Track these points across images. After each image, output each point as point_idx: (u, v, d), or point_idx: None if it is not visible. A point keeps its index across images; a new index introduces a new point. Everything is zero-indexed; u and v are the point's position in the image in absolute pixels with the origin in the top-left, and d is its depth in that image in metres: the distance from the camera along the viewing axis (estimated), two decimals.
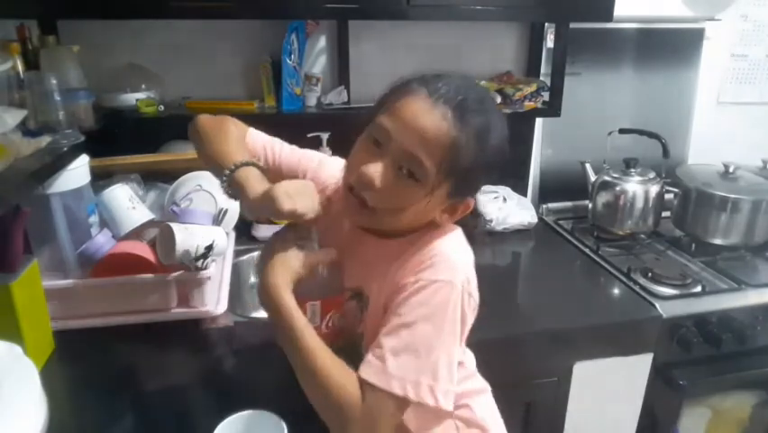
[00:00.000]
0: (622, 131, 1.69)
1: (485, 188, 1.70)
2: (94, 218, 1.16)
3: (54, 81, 1.13)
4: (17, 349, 0.81)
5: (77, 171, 1.10)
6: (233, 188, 0.77)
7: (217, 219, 1.24)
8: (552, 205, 1.84)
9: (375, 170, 0.69)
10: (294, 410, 0.76)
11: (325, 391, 0.65)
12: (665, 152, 1.61)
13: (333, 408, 0.65)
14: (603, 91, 1.81)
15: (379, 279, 0.76)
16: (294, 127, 1.53)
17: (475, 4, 1.35)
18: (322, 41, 1.63)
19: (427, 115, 0.68)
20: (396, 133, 0.69)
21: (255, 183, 0.75)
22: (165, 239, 1.11)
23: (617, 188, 1.59)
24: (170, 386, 0.95)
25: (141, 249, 1.13)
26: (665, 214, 1.66)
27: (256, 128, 1.60)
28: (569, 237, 1.65)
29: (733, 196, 1.51)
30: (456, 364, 0.69)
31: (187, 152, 1.42)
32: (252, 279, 1.49)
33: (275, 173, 0.89)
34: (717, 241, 1.56)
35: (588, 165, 1.70)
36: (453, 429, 0.82)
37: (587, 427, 1.28)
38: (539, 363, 1.21)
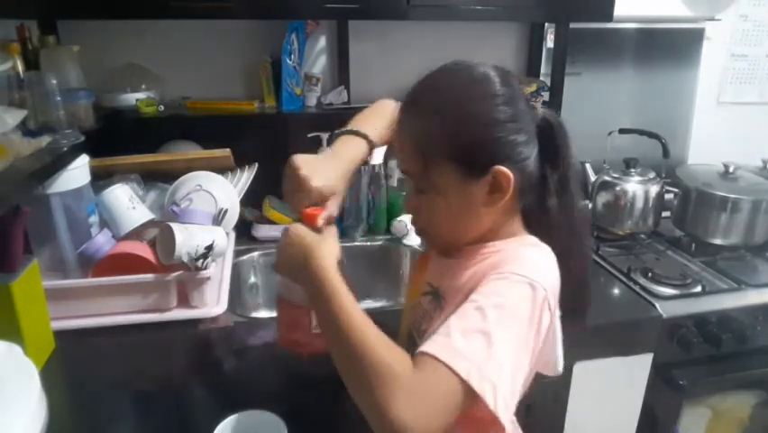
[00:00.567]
0: (622, 131, 1.69)
1: None
2: (94, 218, 1.16)
3: (54, 81, 1.13)
4: (17, 349, 0.81)
5: (77, 171, 1.10)
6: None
7: (217, 219, 1.24)
8: None
9: (405, 204, 0.75)
10: (294, 410, 0.76)
11: (365, 359, 0.56)
12: (665, 152, 1.61)
13: (375, 377, 0.54)
14: (603, 91, 1.81)
15: (455, 277, 0.72)
16: (294, 127, 1.54)
17: (475, 4, 1.35)
18: (322, 41, 1.63)
19: (396, 132, 0.72)
20: (397, 159, 0.76)
21: (336, 148, 0.81)
22: (165, 239, 1.11)
23: (617, 188, 1.59)
24: (170, 386, 0.95)
25: (141, 249, 1.13)
26: (665, 214, 1.66)
27: (255, 128, 1.60)
28: None
29: (733, 196, 1.51)
30: (521, 377, 0.60)
31: (187, 151, 1.42)
32: (252, 279, 1.49)
33: None
34: (717, 241, 1.55)
35: (588, 165, 1.70)
36: None
37: (587, 427, 1.28)
38: None
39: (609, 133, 1.69)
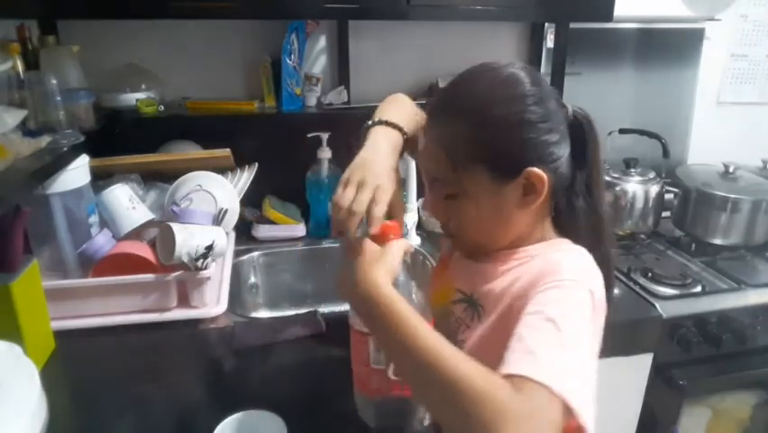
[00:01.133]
0: (622, 131, 1.69)
1: None
2: (94, 218, 1.16)
3: (54, 81, 1.13)
4: (17, 349, 0.81)
5: (77, 171, 1.10)
6: (361, 144, 0.79)
7: (217, 219, 1.24)
8: None
9: (428, 206, 0.73)
10: (294, 410, 0.76)
11: (462, 392, 0.51)
12: (665, 152, 1.61)
13: (478, 409, 0.50)
14: (603, 91, 1.81)
15: (491, 284, 0.72)
16: (294, 127, 1.54)
17: (475, 4, 1.35)
18: (322, 41, 1.63)
19: (426, 137, 0.70)
20: (421, 165, 0.73)
21: (374, 140, 0.77)
22: (165, 239, 1.11)
23: (617, 189, 1.59)
24: (170, 386, 0.95)
25: (141, 249, 1.13)
26: (665, 214, 1.66)
27: (255, 128, 1.60)
28: None
29: (733, 196, 1.51)
30: (592, 383, 0.59)
31: (187, 151, 1.42)
32: (252, 279, 1.49)
33: None
34: (717, 241, 1.56)
35: None
36: None
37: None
38: None
39: (609, 133, 1.69)
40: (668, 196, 1.64)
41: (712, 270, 1.48)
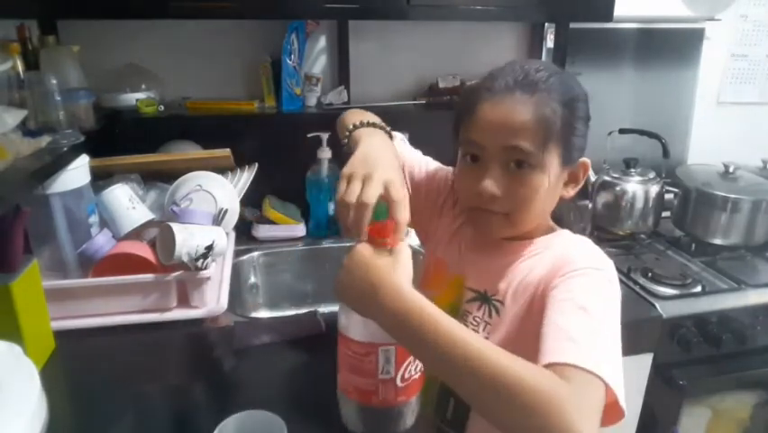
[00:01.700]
0: (622, 131, 1.69)
1: None
2: (94, 218, 1.16)
3: (54, 81, 1.13)
4: (17, 349, 0.81)
5: (77, 171, 1.10)
6: (351, 146, 0.77)
7: (217, 219, 1.24)
8: None
9: (489, 183, 0.71)
10: (294, 411, 0.76)
11: (516, 389, 0.51)
12: (665, 152, 1.61)
13: (534, 402, 0.50)
14: (603, 91, 1.81)
15: (506, 278, 0.75)
16: (294, 127, 1.54)
17: (475, 4, 1.35)
18: (322, 41, 1.63)
19: (502, 108, 0.70)
20: (486, 138, 0.71)
21: (368, 138, 0.76)
22: (165, 239, 1.11)
23: (617, 188, 1.59)
24: (170, 386, 0.95)
25: (141, 249, 1.13)
26: (665, 214, 1.66)
27: (255, 128, 1.61)
28: None
29: (733, 196, 1.51)
30: (621, 363, 0.61)
31: (187, 151, 1.42)
32: (252, 279, 1.49)
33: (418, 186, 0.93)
34: (717, 241, 1.56)
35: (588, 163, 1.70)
36: None
37: None
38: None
39: (609, 133, 1.69)
40: (668, 196, 1.64)
41: (712, 270, 1.48)
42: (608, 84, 1.81)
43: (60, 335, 1.03)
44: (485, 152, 0.72)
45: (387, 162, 0.71)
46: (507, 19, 1.66)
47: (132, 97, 1.48)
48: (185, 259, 1.07)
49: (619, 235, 1.62)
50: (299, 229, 1.56)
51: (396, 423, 0.73)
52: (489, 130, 0.71)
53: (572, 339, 0.58)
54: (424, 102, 1.65)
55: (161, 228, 1.13)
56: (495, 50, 1.73)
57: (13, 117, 1.02)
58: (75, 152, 1.10)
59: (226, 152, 1.34)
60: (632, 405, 1.33)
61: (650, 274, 1.41)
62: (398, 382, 0.69)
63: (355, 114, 0.89)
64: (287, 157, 1.55)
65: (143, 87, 1.51)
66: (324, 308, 1.23)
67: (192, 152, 1.42)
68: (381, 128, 0.83)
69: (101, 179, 1.26)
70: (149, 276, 1.10)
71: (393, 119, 1.55)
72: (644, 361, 1.29)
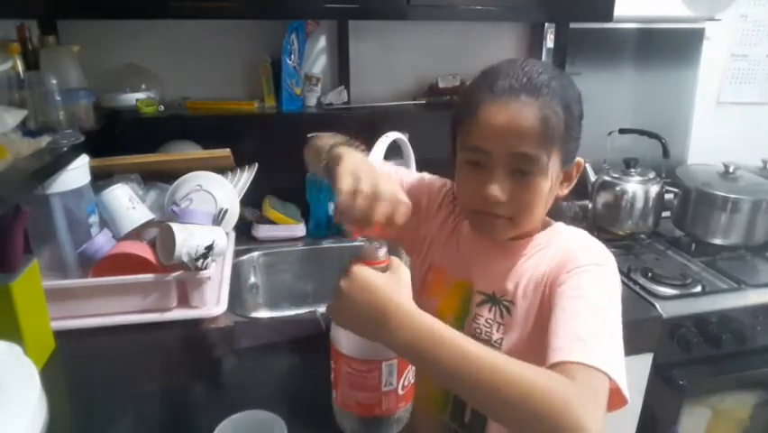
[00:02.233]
0: (622, 131, 1.69)
1: None
2: (94, 218, 1.16)
3: (54, 81, 1.13)
4: (17, 349, 0.81)
5: (77, 171, 1.10)
6: (331, 165, 0.72)
7: (217, 219, 1.24)
8: None
9: (495, 188, 0.71)
10: (294, 411, 0.76)
11: (535, 396, 0.54)
12: (665, 152, 1.61)
13: (549, 407, 0.54)
14: (603, 91, 1.81)
15: (513, 278, 0.77)
16: (294, 127, 1.53)
17: (475, 4, 1.35)
18: (322, 41, 1.63)
19: (507, 112, 0.69)
20: (490, 144, 0.71)
21: (349, 156, 0.71)
22: (165, 239, 1.11)
23: (617, 188, 1.59)
24: (170, 386, 0.95)
25: (141, 249, 1.13)
26: (665, 214, 1.66)
27: (255, 128, 1.60)
28: None
29: (733, 196, 1.51)
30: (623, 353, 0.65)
31: (187, 151, 1.42)
32: (252, 279, 1.49)
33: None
34: (717, 241, 1.56)
35: (588, 165, 1.70)
36: None
37: None
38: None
39: (609, 133, 1.69)
40: (668, 196, 1.64)
41: (712, 270, 1.48)
42: (608, 84, 1.81)
43: (60, 335, 1.03)
44: (489, 158, 0.71)
45: (377, 173, 0.69)
46: (507, 19, 1.66)
47: (132, 97, 1.48)
48: (185, 259, 1.07)
49: (619, 235, 1.62)
50: (299, 229, 1.56)
51: (395, 426, 0.73)
52: (493, 135, 0.70)
53: (581, 338, 0.62)
54: (424, 102, 1.65)
55: (161, 228, 1.13)
56: (495, 50, 1.73)
57: (13, 117, 1.02)
58: (75, 152, 1.10)
59: (226, 152, 1.34)
60: (632, 405, 1.32)
61: (650, 274, 1.41)
62: (399, 391, 0.70)
63: (324, 138, 0.87)
64: (287, 157, 1.54)
65: (143, 87, 1.51)
66: (324, 308, 1.23)
67: (192, 151, 1.42)
68: (356, 147, 0.80)
69: (101, 179, 1.26)
70: (149, 276, 1.10)
71: (393, 119, 1.57)
72: (644, 361, 1.29)
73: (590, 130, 0.86)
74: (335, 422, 0.77)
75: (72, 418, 0.88)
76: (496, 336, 0.77)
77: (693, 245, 1.59)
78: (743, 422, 1.45)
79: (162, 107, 1.51)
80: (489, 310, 0.78)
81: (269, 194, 1.60)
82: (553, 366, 0.60)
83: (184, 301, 1.14)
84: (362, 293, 0.60)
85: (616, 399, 0.62)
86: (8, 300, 0.89)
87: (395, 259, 0.65)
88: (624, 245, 1.60)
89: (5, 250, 0.91)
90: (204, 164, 1.31)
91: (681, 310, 1.29)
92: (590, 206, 1.68)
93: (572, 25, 1.60)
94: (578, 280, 0.69)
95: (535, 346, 0.69)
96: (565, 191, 0.79)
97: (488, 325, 0.78)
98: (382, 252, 0.64)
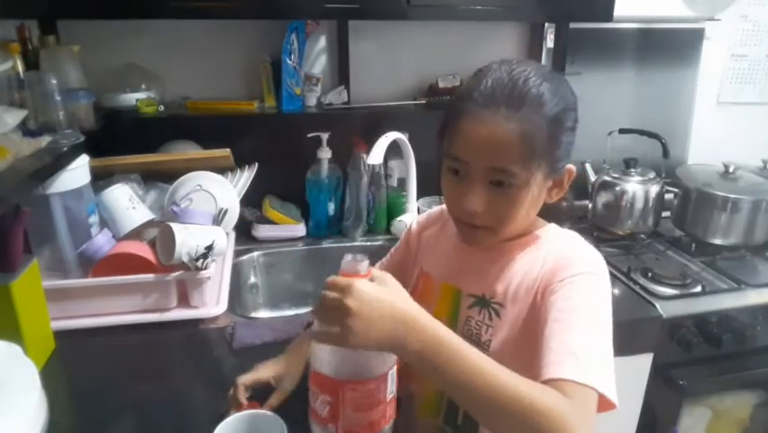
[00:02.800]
0: (622, 131, 1.69)
1: None
2: (94, 218, 1.16)
3: (54, 81, 1.13)
4: (17, 349, 0.81)
5: (77, 171, 1.11)
6: None
7: (217, 219, 1.24)
8: None
9: (472, 200, 0.71)
10: (294, 411, 0.76)
11: (534, 412, 0.56)
12: (665, 152, 1.60)
13: (550, 423, 0.56)
14: (603, 91, 1.81)
15: (503, 280, 0.77)
16: (294, 127, 1.54)
17: (475, 4, 1.35)
18: (322, 41, 1.63)
19: (487, 126, 0.68)
20: (468, 156, 0.70)
21: None
22: (165, 239, 1.11)
23: (617, 188, 1.59)
24: (170, 386, 0.95)
25: (141, 249, 1.13)
26: (665, 214, 1.66)
27: (255, 128, 1.61)
28: None
29: (733, 196, 1.51)
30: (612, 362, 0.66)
31: (187, 151, 1.42)
32: (252, 279, 1.49)
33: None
34: (717, 241, 1.55)
35: (588, 165, 1.70)
36: None
37: None
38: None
39: (609, 133, 1.69)
40: (668, 196, 1.64)
41: (712, 270, 1.48)
42: (607, 84, 1.81)
43: (60, 335, 1.03)
44: (468, 168, 0.71)
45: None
46: (507, 19, 1.66)
47: (132, 97, 1.48)
48: (185, 259, 1.07)
49: (619, 235, 1.62)
50: (299, 229, 1.56)
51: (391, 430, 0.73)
52: (471, 147, 0.70)
53: (573, 354, 0.63)
54: (424, 102, 1.65)
55: (161, 228, 1.13)
56: (495, 50, 1.73)
57: (13, 117, 1.02)
58: (75, 152, 1.10)
59: (226, 152, 1.34)
60: (632, 405, 1.33)
61: (650, 274, 1.40)
62: (395, 392, 0.70)
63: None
64: (287, 157, 1.55)
65: (143, 87, 1.51)
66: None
67: (192, 151, 1.42)
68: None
69: (101, 179, 1.26)
70: (149, 276, 1.10)
71: (393, 119, 1.57)
72: (644, 361, 1.29)
73: (590, 130, 0.86)
74: None
75: (72, 418, 0.88)
76: (485, 336, 0.77)
77: (693, 245, 1.59)
78: (743, 422, 1.45)
79: (162, 107, 1.51)
80: (479, 312, 0.78)
81: (269, 194, 1.60)
82: (547, 382, 0.61)
83: (184, 301, 1.14)
84: (378, 306, 0.59)
85: (604, 404, 0.63)
86: (8, 300, 0.89)
87: (376, 270, 0.65)
88: (624, 245, 1.60)
89: (5, 250, 0.91)
90: (204, 164, 1.31)
91: (681, 310, 1.29)
92: (590, 206, 1.67)
93: (572, 25, 1.60)
94: (571, 289, 0.69)
95: (523, 348, 0.71)
96: (555, 198, 0.78)
97: (477, 327, 0.78)
98: (364, 265, 0.63)
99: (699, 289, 1.36)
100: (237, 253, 1.42)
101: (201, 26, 1.51)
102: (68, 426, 0.85)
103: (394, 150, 1.52)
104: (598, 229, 1.65)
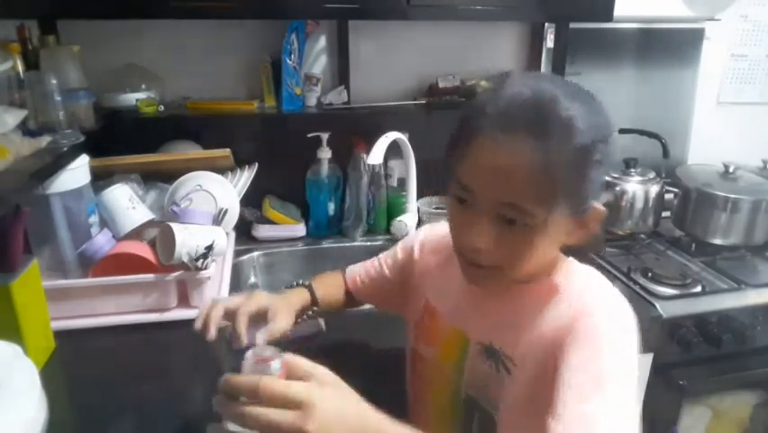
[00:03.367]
0: (622, 131, 1.69)
1: None
2: (94, 218, 1.16)
3: (54, 81, 1.13)
4: (17, 349, 0.81)
5: (77, 171, 1.10)
6: None
7: (217, 219, 1.24)
8: None
9: (476, 236, 0.61)
10: None
11: None
12: (665, 152, 1.60)
13: None
14: (603, 91, 1.78)
15: (513, 329, 0.67)
16: (294, 127, 1.54)
17: (475, 4, 1.35)
18: (322, 41, 1.63)
19: (502, 152, 0.57)
20: (476, 185, 0.60)
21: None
22: (165, 239, 1.11)
23: (617, 188, 1.59)
24: (170, 386, 0.95)
25: (141, 249, 1.13)
26: (665, 214, 1.66)
27: (255, 128, 1.60)
28: None
29: (733, 196, 1.51)
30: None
31: (187, 151, 1.42)
32: (252, 279, 1.49)
33: (381, 290, 0.96)
34: (717, 241, 1.55)
35: None
36: None
37: None
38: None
39: None
40: (668, 196, 1.64)
41: (712, 270, 1.48)
42: (607, 84, 1.81)
43: (60, 335, 1.03)
44: (475, 198, 0.61)
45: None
46: (507, 19, 1.66)
47: (132, 97, 1.48)
48: (185, 259, 1.07)
49: (619, 235, 1.62)
50: (299, 229, 1.56)
51: None
52: (481, 175, 0.60)
53: (588, 426, 0.55)
54: (424, 102, 1.65)
55: (161, 228, 1.13)
56: (495, 50, 1.73)
57: (13, 117, 1.02)
58: (75, 152, 1.10)
59: (226, 152, 1.34)
60: None
61: (650, 274, 1.40)
62: None
63: (325, 279, 1.00)
64: (287, 157, 1.55)
65: (143, 87, 1.51)
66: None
67: (192, 151, 1.42)
68: (305, 285, 0.92)
69: (101, 179, 1.26)
70: (149, 276, 1.10)
71: (393, 119, 1.57)
72: (644, 361, 1.29)
73: None
74: None
75: (72, 418, 0.88)
76: (493, 392, 0.68)
77: (693, 245, 1.59)
78: (743, 422, 1.45)
79: (162, 107, 1.51)
80: (488, 364, 0.69)
81: (269, 194, 1.60)
82: None
83: (184, 301, 1.14)
84: (341, 427, 0.50)
85: None
86: (8, 300, 0.89)
87: (292, 359, 0.54)
88: (624, 245, 1.60)
89: (5, 250, 0.91)
90: (204, 164, 1.31)
91: (681, 310, 1.29)
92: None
93: (572, 25, 1.60)
94: (589, 348, 0.59)
95: (534, 411, 0.60)
96: (577, 241, 0.65)
97: (485, 381, 0.69)
98: (277, 363, 0.53)
99: (699, 289, 1.36)
100: (237, 253, 1.42)
101: (201, 26, 1.51)
102: (68, 426, 0.85)
103: (394, 150, 1.52)
104: None
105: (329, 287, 0.96)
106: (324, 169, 1.54)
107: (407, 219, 1.53)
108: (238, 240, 1.45)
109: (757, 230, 1.52)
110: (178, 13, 1.24)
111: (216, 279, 1.21)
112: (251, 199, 1.47)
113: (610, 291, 0.68)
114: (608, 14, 1.43)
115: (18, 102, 1.11)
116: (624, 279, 1.40)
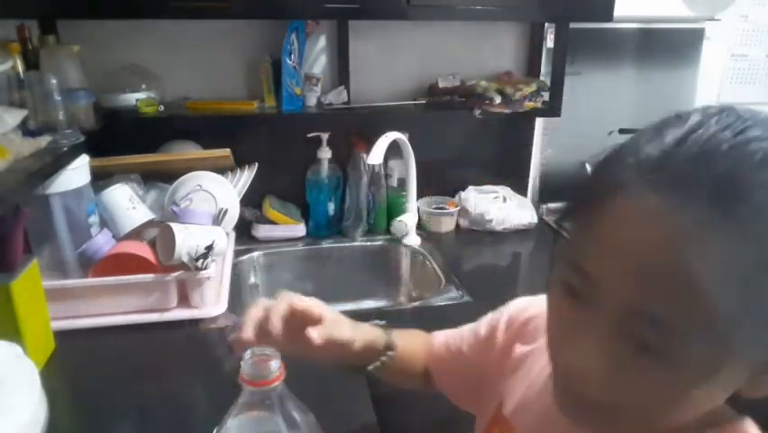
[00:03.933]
0: (622, 131, 1.69)
1: (484, 188, 1.71)
2: (94, 218, 1.16)
3: (54, 81, 1.13)
4: (17, 349, 0.81)
5: (77, 171, 1.11)
6: None
7: (217, 219, 1.24)
8: (552, 205, 1.84)
9: (581, 353, 0.38)
10: None
11: None
12: None
13: None
14: (603, 91, 1.81)
15: None
16: (294, 127, 1.54)
17: (475, 4, 1.35)
18: (322, 41, 1.63)
19: (658, 225, 0.35)
20: (606, 278, 0.37)
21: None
22: (165, 239, 1.11)
23: None
24: (170, 386, 0.95)
25: (141, 249, 1.13)
26: None
27: (255, 128, 1.61)
28: None
29: None
30: None
31: (187, 151, 1.42)
32: (252, 279, 1.49)
33: (456, 372, 0.72)
34: None
35: (588, 165, 1.70)
36: None
37: None
38: None
39: (609, 133, 1.69)
40: None
41: None
42: (607, 84, 1.81)
43: (60, 335, 1.03)
44: (595, 293, 0.38)
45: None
46: (507, 19, 1.65)
47: (132, 97, 1.48)
48: (185, 259, 1.07)
49: None
50: (299, 229, 1.56)
51: None
52: (617, 263, 0.37)
53: None
54: (424, 102, 1.65)
55: (161, 228, 1.13)
56: (495, 50, 1.73)
57: (14, 117, 1.02)
58: (75, 152, 1.10)
59: (226, 152, 1.34)
60: None
61: None
62: None
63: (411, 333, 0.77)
64: (287, 157, 1.56)
65: (143, 87, 1.51)
66: None
67: (192, 151, 1.42)
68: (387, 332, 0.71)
69: (101, 179, 1.26)
70: (149, 276, 1.10)
71: (393, 119, 1.57)
72: None
73: (590, 130, 0.86)
74: (337, 422, 0.77)
75: (72, 418, 0.88)
76: None
77: None
78: None
79: (162, 107, 1.51)
80: None
81: (269, 194, 1.60)
82: None
83: (184, 301, 1.14)
84: None
85: None
86: (8, 300, 0.89)
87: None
88: None
89: (5, 250, 0.91)
90: (204, 164, 1.31)
91: None
92: None
93: (572, 25, 1.60)
94: None
95: None
96: (762, 393, 0.39)
97: None
98: (275, 365, 0.52)
99: None
100: (237, 253, 1.42)
101: (201, 26, 1.51)
102: (68, 426, 0.85)
103: (394, 150, 1.52)
104: None
105: (411, 336, 0.76)
106: (324, 169, 1.54)
107: (407, 219, 1.53)
108: (238, 240, 1.45)
109: None
110: (178, 13, 1.25)
111: (216, 279, 1.21)
112: (251, 199, 1.47)
113: None
114: (608, 14, 1.43)
115: (18, 102, 1.11)
116: None
